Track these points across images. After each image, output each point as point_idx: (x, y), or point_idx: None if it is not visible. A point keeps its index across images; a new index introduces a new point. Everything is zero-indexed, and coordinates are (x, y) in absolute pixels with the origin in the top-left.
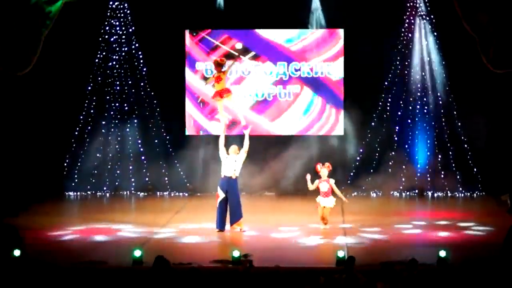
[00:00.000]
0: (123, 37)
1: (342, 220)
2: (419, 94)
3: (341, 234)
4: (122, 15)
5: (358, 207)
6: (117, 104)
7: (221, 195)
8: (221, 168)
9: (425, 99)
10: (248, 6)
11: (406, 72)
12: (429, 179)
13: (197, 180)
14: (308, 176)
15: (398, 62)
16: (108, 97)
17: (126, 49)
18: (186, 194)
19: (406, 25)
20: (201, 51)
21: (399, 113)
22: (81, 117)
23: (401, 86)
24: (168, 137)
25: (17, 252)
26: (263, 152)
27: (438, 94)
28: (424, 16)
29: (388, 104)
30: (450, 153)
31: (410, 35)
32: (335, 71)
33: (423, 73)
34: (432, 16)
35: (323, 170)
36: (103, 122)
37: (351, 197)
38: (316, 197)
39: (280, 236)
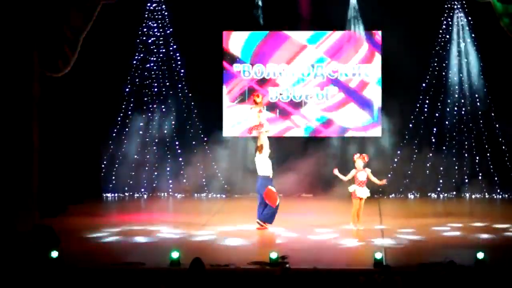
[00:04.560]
0: (161, 38)
1: (379, 221)
2: (456, 96)
3: (378, 235)
4: (160, 16)
5: (395, 208)
6: (154, 106)
7: None
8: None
9: (462, 100)
10: (286, 8)
11: (443, 74)
12: (467, 181)
13: (235, 181)
14: (336, 170)
15: (435, 64)
16: (146, 99)
17: (164, 50)
18: (224, 196)
19: (444, 26)
20: (239, 52)
21: (437, 114)
22: (119, 118)
23: (439, 88)
24: (205, 139)
25: (54, 254)
26: (300, 153)
27: (476, 95)
28: (461, 18)
29: (426, 106)
30: (488, 155)
31: (447, 36)
32: (373, 73)
33: (461, 75)
34: (469, 18)
35: (358, 161)
36: (141, 124)
37: (389, 198)
38: (350, 186)
39: (317, 238)
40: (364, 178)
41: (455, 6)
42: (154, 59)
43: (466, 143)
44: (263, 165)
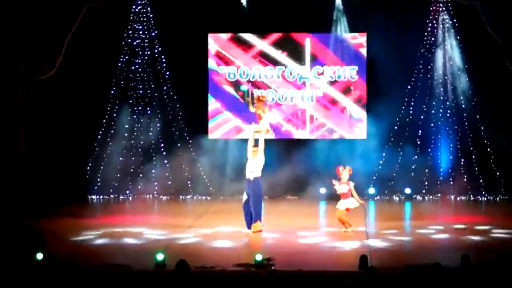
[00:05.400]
0: (146, 41)
1: (364, 223)
2: (442, 98)
3: (363, 237)
4: (145, 19)
5: (380, 210)
6: (140, 108)
7: (244, 197)
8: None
9: (448, 103)
10: (272, 10)
11: (429, 76)
12: (452, 183)
13: (220, 184)
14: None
15: (421, 66)
16: (131, 101)
17: (149, 53)
18: (209, 198)
19: (429, 29)
20: (225, 54)
21: (422, 117)
22: (104, 121)
23: (424, 90)
24: (191, 141)
25: (40, 256)
26: (286, 155)
27: (461, 98)
28: (447, 20)
29: (411, 108)
30: (473, 156)
31: (433, 39)
32: (358, 75)
33: (446, 77)
34: (455, 20)
35: (344, 172)
36: (126, 126)
37: (374, 200)
38: (338, 204)
39: (302, 240)
40: (345, 190)
41: (441, 9)
42: (139, 61)
43: (451, 145)
44: (261, 167)
